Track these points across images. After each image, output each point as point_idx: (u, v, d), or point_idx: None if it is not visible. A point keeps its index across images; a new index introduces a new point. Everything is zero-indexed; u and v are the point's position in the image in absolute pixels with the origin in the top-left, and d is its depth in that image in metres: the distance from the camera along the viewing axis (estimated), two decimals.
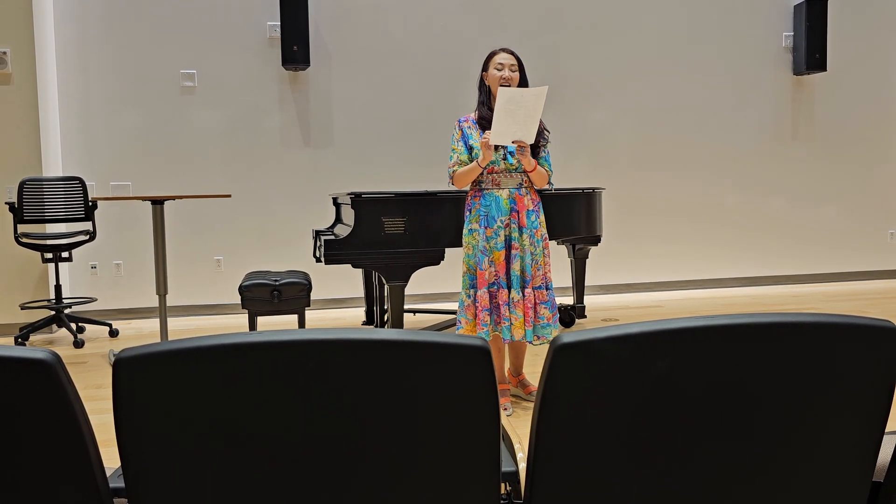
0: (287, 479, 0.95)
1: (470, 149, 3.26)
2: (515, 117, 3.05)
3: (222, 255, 5.91)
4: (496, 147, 3.23)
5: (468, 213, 3.31)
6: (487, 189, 3.26)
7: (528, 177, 3.26)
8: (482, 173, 3.25)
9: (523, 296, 3.20)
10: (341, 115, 6.01)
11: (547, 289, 3.27)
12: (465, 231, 3.32)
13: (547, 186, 3.37)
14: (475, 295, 3.25)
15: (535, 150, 3.27)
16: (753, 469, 1.01)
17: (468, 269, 3.28)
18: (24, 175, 5.06)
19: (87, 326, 5.40)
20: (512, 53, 3.26)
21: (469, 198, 3.33)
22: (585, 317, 5.41)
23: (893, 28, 6.90)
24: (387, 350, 0.92)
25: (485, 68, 3.29)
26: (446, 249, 4.00)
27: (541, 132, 3.27)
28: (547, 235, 3.33)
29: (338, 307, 6.06)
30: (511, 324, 3.20)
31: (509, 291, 3.21)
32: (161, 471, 0.94)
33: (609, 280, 6.49)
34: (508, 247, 3.23)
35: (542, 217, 3.33)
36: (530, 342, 3.24)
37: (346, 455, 0.95)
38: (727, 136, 6.64)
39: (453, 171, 3.28)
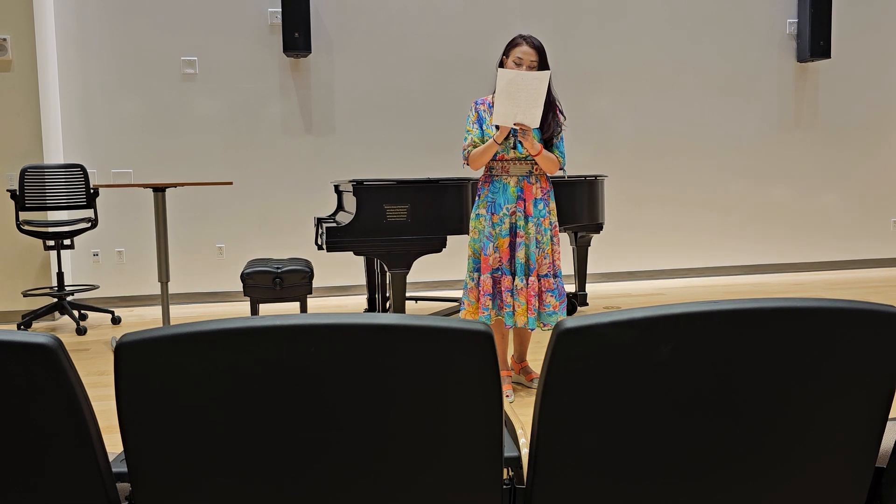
0: (288, 462, 0.95)
1: (485, 131, 3.25)
2: (517, 100, 3.02)
3: (224, 242, 5.91)
4: (507, 135, 3.21)
5: (477, 198, 3.32)
6: (497, 176, 3.25)
7: (538, 165, 3.23)
8: (493, 158, 3.23)
9: (527, 284, 3.19)
10: (343, 102, 5.99)
11: (555, 276, 3.26)
12: (472, 215, 3.33)
13: (559, 173, 3.33)
14: (478, 279, 3.26)
15: (549, 139, 3.23)
16: (756, 454, 1.01)
17: (473, 253, 3.30)
18: (26, 162, 5.05)
19: (90, 314, 5.41)
20: (534, 46, 3.15)
21: (480, 183, 3.33)
22: (587, 304, 5.41)
23: None
24: (389, 335, 0.92)
25: (505, 53, 3.20)
26: (448, 237, 3.99)
27: (554, 118, 3.23)
28: (556, 223, 3.31)
29: (340, 295, 6.07)
30: (514, 310, 3.20)
31: (513, 279, 3.21)
32: (163, 454, 0.94)
33: (611, 268, 6.48)
34: (514, 234, 3.23)
35: (553, 205, 3.31)
36: (533, 329, 3.23)
37: (347, 439, 0.95)
38: (730, 124, 6.61)
39: (467, 153, 3.26)
